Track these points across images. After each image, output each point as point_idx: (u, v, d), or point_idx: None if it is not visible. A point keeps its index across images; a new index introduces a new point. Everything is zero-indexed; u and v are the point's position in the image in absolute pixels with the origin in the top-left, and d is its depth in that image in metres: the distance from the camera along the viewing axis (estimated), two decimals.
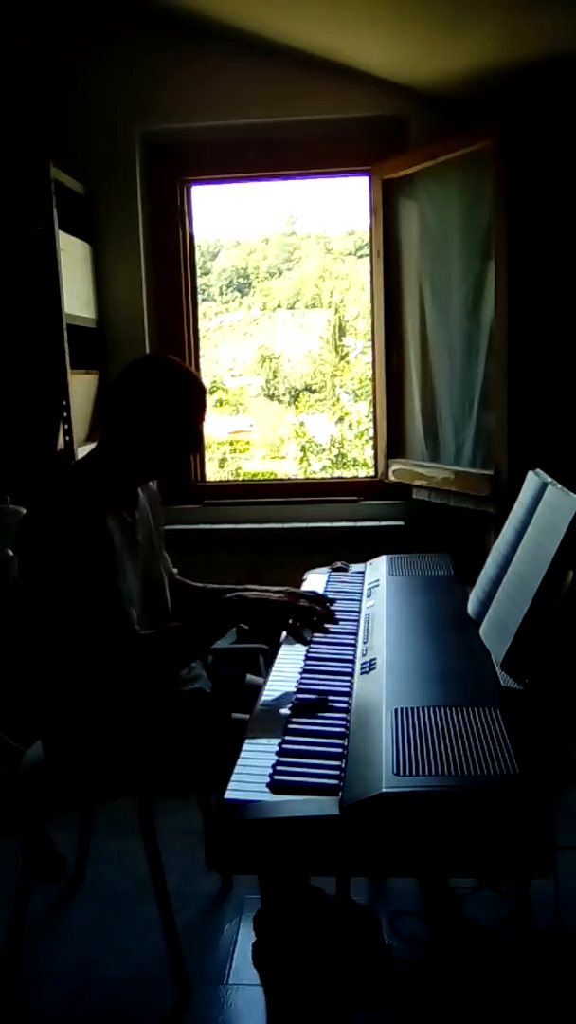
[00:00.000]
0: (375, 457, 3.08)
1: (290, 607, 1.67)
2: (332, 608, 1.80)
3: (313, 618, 1.68)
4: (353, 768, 1.21)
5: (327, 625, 1.74)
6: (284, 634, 1.76)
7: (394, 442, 2.99)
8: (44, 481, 2.43)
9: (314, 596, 1.81)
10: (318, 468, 7.27)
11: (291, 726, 1.39)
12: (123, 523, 1.69)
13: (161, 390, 1.65)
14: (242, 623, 1.68)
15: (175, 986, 1.75)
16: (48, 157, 2.49)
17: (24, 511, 2.40)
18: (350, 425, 7.39)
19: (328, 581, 2.16)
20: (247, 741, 1.36)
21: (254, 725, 1.42)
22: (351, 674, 1.57)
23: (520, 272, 2.44)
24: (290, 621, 1.68)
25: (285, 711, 1.45)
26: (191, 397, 1.68)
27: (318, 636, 1.76)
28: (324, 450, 7.43)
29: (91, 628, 1.54)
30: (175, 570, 1.98)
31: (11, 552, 2.42)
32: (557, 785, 2.34)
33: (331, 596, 2.04)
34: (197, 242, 3.09)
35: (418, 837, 1.11)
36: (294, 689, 1.54)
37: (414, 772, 1.14)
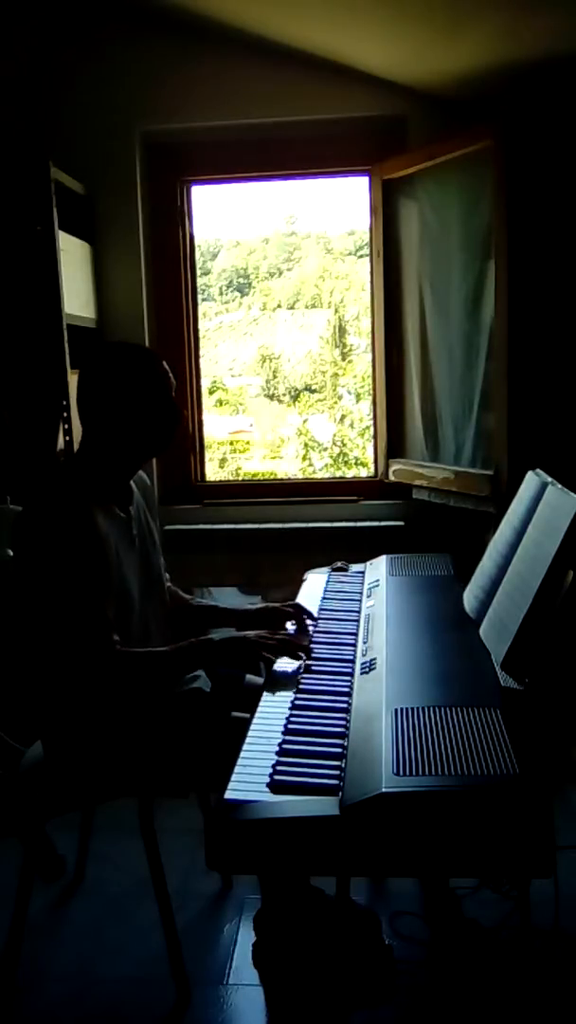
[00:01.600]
0: (375, 457, 3.08)
1: (261, 643, 1.67)
2: (330, 609, 1.81)
3: (288, 646, 1.69)
4: (353, 768, 1.21)
5: (326, 625, 1.75)
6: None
7: (394, 442, 2.99)
8: (36, 481, 2.42)
9: (299, 609, 1.87)
10: (320, 467, 7.27)
11: (291, 726, 1.39)
12: (117, 519, 1.70)
13: (125, 371, 1.67)
14: (217, 663, 1.72)
15: (175, 986, 1.75)
16: (48, 157, 2.49)
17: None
18: (351, 424, 7.39)
19: (328, 581, 2.17)
20: (247, 741, 1.36)
21: (254, 725, 1.42)
22: (351, 674, 1.57)
23: (520, 272, 2.44)
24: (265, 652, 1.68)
25: (285, 711, 1.45)
26: (153, 368, 1.69)
27: (318, 636, 1.77)
28: (325, 449, 7.42)
29: (70, 636, 1.56)
30: (167, 575, 1.96)
31: (11, 552, 2.42)
32: (557, 785, 2.34)
33: (331, 596, 2.05)
34: (197, 242, 3.09)
35: (418, 837, 1.11)
36: (294, 689, 1.54)
37: (414, 772, 1.14)
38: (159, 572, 1.86)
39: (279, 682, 1.59)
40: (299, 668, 1.63)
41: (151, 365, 1.70)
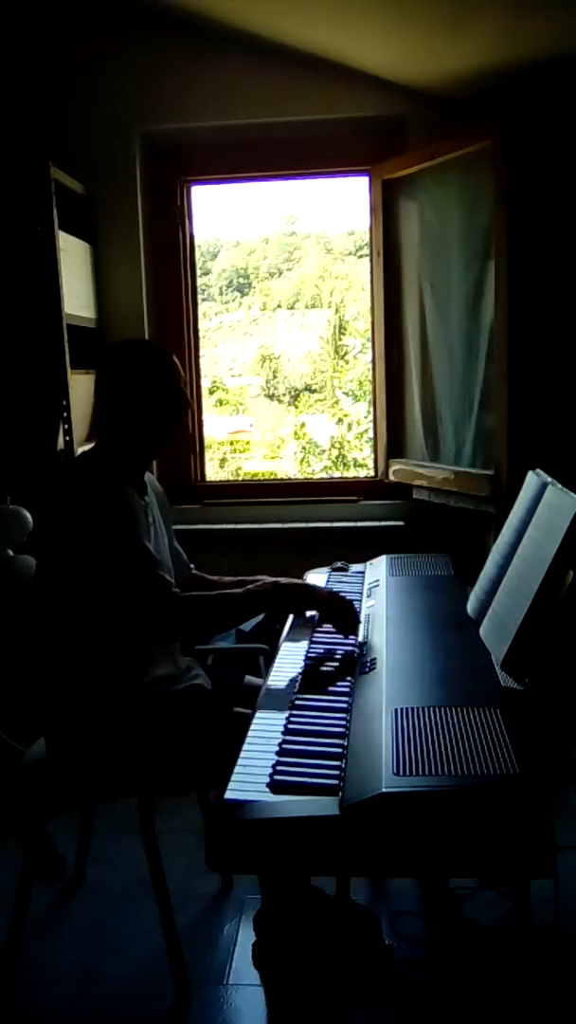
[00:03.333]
0: (375, 457, 3.08)
1: (333, 603, 1.74)
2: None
3: (350, 619, 1.75)
4: (353, 768, 1.21)
5: (327, 626, 1.76)
6: (286, 630, 1.82)
7: (394, 442, 2.99)
8: (58, 468, 2.51)
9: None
10: (318, 468, 7.27)
11: (291, 726, 1.39)
12: (138, 502, 1.78)
13: (139, 365, 1.77)
14: (285, 609, 1.79)
15: (175, 986, 1.75)
16: (48, 157, 2.49)
17: (24, 511, 2.41)
18: (349, 426, 7.38)
19: (328, 581, 2.16)
20: (247, 741, 1.36)
21: (254, 725, 1.42)
22: (351, 674, 1.57)
23: (520, 272, 2.44)
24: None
25: (285, 710, 1.45)
26: (164, 361, 1.80)
27: (318, 636, 1.77)
28: (324, 451, 7.41)
29: (132, 584, 1.62)
30: (191, 565, 2.03)
31: (11, 552, 2.42)
32: (557, 785, 2.34)
33: None
34: (197, 242, 3.09)
35: (418, 837, 1.11)
36: (294, 689, 1.54)
37: (414, 772, 1.14)
38: (170, 563, 1.91)
39: (279, 682, 1.59)
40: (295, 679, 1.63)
41: (163, 359, 1.80)
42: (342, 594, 1.80)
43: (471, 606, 1.76)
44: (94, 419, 2.81)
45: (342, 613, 1.74)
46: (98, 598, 1.66)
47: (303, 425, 7.99)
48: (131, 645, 1.73)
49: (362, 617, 1.86)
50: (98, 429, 1.81)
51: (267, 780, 1.22)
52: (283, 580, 1.74)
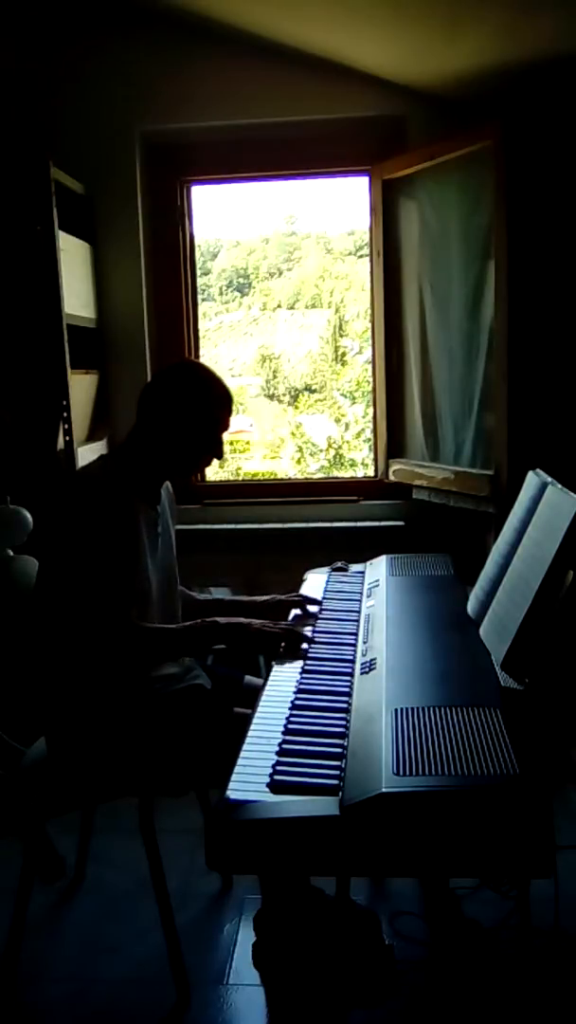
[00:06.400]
0: (375, 457, 3.08)
1: (262, 632, 1.72)
2: (330, 609, 1.84)
3: (289, 635, 1.74)
4: (353, 768, 1.21)
5: (326, 625, 1.76)
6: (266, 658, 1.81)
7: (394, 442, 2.98)
8: (74, 471, 2.52)
9: (303, 599, 1.94)
10: (315, 469, 7.26)
11: (291, 726, 1.39)
12: (148, 514, 1.78)
13: (196, 395, 1.76)
14: (223, 644, 1.76)
15: (175, 986, 1.75)
16: (48, 157, 2.49)
17: (24, 511, 2.41)
18: (347, 426, 7.37)
19: (328, 581, 2.16)
20: (247, 741, 1.36)
21: (254, 725, 1.42)
22: (351, 674, 1.57)
23: (520, 272, 2.44)
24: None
25: (285, 711, 1.45)
26: (222, 406, 1.79)
27: (318, 636, 1.77)
28: (322, 451, 7.41)
29: (93, 603, 1.60)
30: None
31: (11, 552, 2.42)
32: (557, 785, 2.34)
33: (331, 596, 2.05)
34: (197, 242, 3.09)
35: (418, 837, 1.11)
36: (294, 689, 1.54)
37: (414, 772, 1.14)
38: (175, 573, 1.92)
39: (279, 682, 1.59)
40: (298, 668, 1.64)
41: (223, 399, 1.79)
42: (343, 593, 1.80)
43: (471, 606, 1.76)
44: (94, 418, 2.81)
45: (274, 639, 1.72)
46: (67, 609, 1.65)
47: (299, 426, 8.00)
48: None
49: (362, 617, 1.86)
50: (131, 432, 1.80)
51: (267, 780, 1.22)
52: (221, 620, 1.72)
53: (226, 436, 1.83)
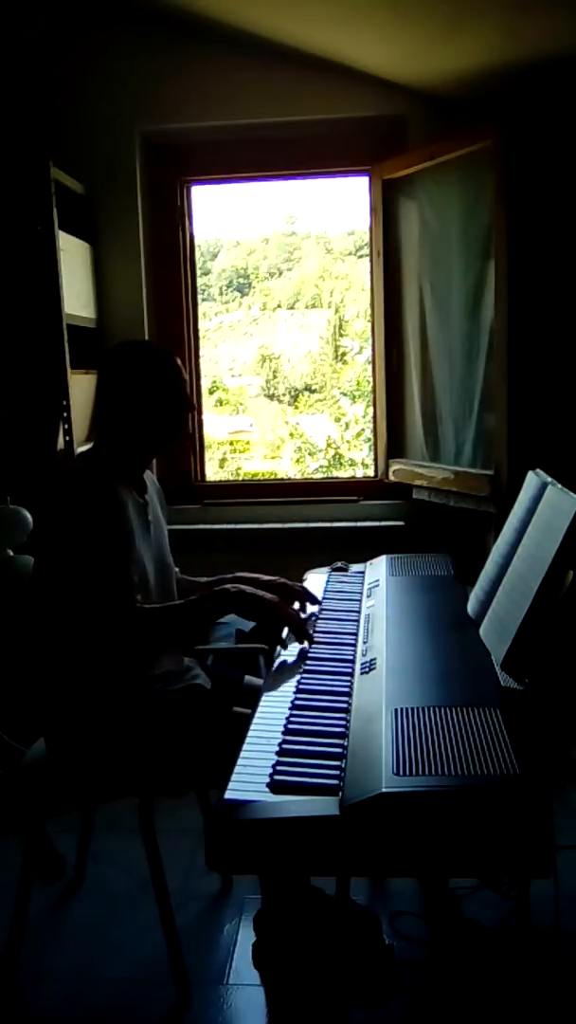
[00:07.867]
0: (375, 457, 3.08)
1: (277, 611, 1.72)
2: (330, 609, 1.84)
3: (296, 623, 1.75)
4: (353, 768, 1.21)
5: (326, 625, 1.76)
6: (285, 633, 1.81)
7: (394, 442, 2.98)
8: (58, 469, 2.51)
9: (304, 593, 1.92)
10: (314, 468, 7.26)
11: (291, 726, 1.39)
12: (136, 503, 1.78)
13: (144, 366, 1.77)
14: (234, 613, 1.75)
15: (175, 986, 1.75)
16: (48, 157, 2.49)
17: (25, 511, 2.41)
18: (347, 426, 7.37)
19: (328, 581, 2.16)
20: (247, 741, 1.36)
21: (254, 725, 1.42)
22: (351, 674, 1.57)
23: (520, 272, 2.44)
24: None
25: (285, 711, 1.45)
26: (166, 363, 1.80)
27: (318, 636, 1.77)
28: (321, 450, 7.41)
29: (96, 592, 1.61)
30: (176, 569, 2.01)
31: (11, 552, 2.42)
32: (557, 785, 2.34)
33: (331, 596, 2.05)
34: (197, 242, 3.09)
35: (418, 837, 1.11)
36: (294, 689, 1.54)
37: (414, 772, 1.14)
38: (170, 561, 1.92)
39: (279, 681, 1.59)
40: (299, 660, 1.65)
41: (165, 361, 1.80)
42: (343, 593, 1.80)
43: (471, 606, 1.76)
44: (94, 419, 2.81)
45: (288, 619, 1.74)
46: (69, 605, 1.65)
47: (297, 425, 8.01)
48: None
49: (362, 617, 1.86)
50: (98, 429, 1.82)
51: (267, 780, 1.22)
52: (230, 586, 1.73)
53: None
